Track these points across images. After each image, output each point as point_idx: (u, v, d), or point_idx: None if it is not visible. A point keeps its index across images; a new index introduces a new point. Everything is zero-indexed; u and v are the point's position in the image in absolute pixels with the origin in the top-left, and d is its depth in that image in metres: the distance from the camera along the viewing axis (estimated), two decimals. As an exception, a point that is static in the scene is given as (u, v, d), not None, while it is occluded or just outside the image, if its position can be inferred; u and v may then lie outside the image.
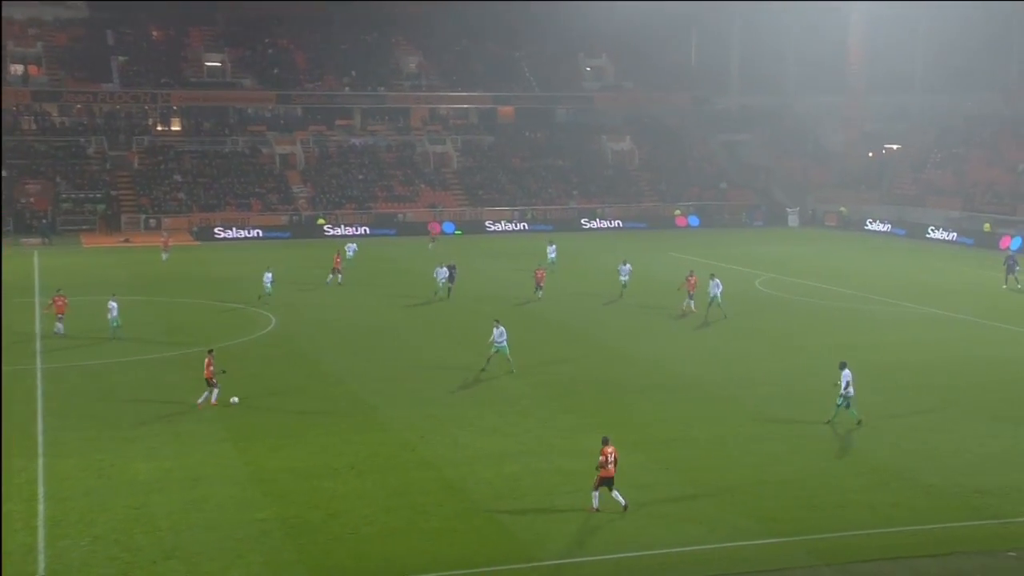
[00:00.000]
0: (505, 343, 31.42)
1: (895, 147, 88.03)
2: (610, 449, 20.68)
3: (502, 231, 74.72)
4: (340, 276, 48.07)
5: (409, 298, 45.25)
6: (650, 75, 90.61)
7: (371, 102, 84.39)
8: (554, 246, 53.81)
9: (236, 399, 27.76)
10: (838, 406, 26.14)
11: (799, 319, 40.77)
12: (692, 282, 41.19)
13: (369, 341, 36.16)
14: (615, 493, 20.61)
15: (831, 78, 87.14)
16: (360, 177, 78.34)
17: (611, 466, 20.47)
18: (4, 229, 64.32)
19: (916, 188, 79.39)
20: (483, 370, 31.46)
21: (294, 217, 73.37)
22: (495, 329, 31.70)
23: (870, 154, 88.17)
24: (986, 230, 67.60)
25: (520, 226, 75.75)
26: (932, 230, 70.37)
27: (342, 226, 72.10)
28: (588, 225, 76.38)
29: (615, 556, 18.99)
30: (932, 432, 25.77)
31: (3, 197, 68.70)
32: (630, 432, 25.92)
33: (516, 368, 31.45)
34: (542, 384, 30.59)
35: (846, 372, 25.92)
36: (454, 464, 23.65)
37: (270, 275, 43.67)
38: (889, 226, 74.34)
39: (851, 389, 25.87)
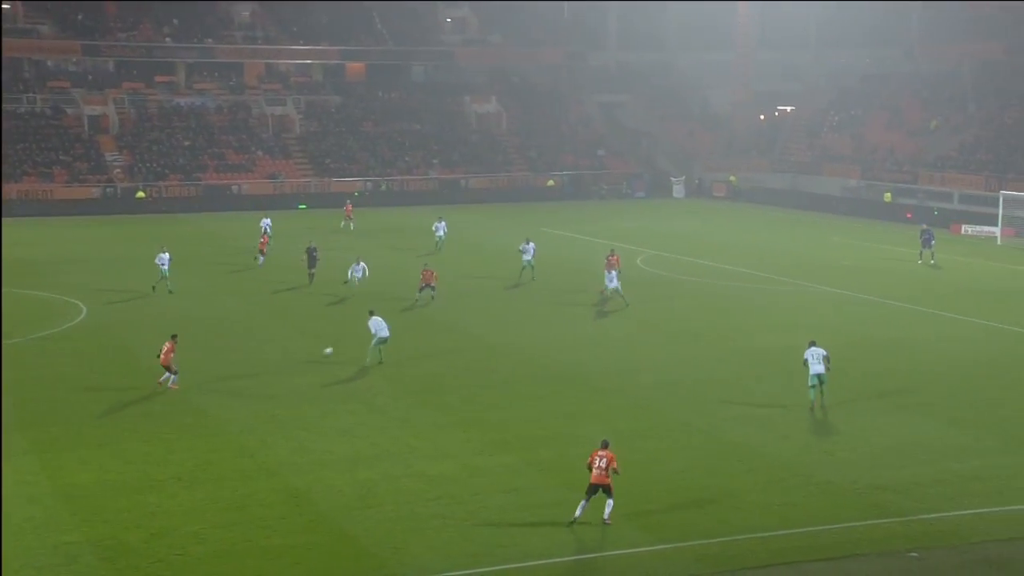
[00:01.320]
0: (387, 333, 31.41)
1: (788, 109, 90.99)
2: (602, 453, 20.70)
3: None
4: (262, 258, 48.09)
5: (254, 284, 44.40)
6: (518, 28, 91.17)
7: (197, 55, 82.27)
8: (443, 223, 53.78)
9: (330, 350, 31.67)
10: (812, 386, 27.35)
11: (686, 301, 41.76)
12: (613, 261, 42.06)
13: (203, 333, 35.34)
14: (608, 502, 20.62)
15: (718, 33, 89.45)
16: (186, 143, 76.35)
17: (597, 471, 20.48)
18: None
19: (812, 154, 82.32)
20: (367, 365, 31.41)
21: (108, 189, 70.97)
22: (371, 319, 31.58)
23: (761, 117, 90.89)
24: (887, 200, 70.64)
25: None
26: (827, 200, 73.09)
27: (166, 199, 70.18)
28: (451, 197, 76.41)
29: (483, 570, 19.12)
30: (829, 424, 26.82)
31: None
32: (501, 431, 26.13)
33: (384, 360, 31.59)
34: (402, 379, 30.52)
35: (814, 350, 27.26)
36: (300, 471, 23.39)
37: (166, 255, 42.40)
38: (779, 196, 76.77)
39: (820, 367, 27.03)
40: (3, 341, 33.46)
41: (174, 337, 29.60)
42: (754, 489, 22.52)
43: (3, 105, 73.88)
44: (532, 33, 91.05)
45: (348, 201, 57.95)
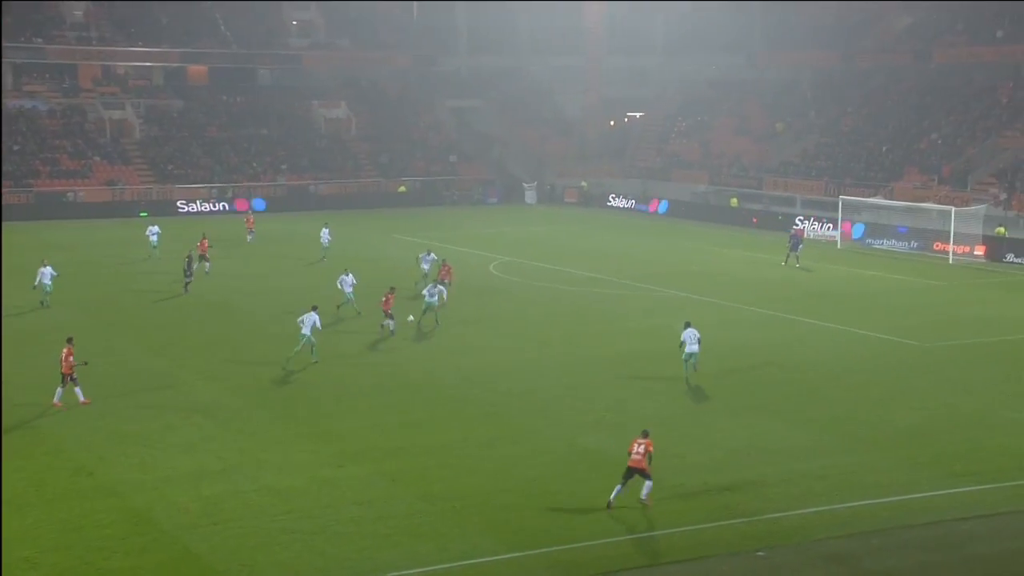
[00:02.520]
0: (311, 333, 32.28)
1: (638, 115, 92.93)
2: (641, 440, 22.25)
3: (198, 212, 72.45)
4: (208, 264, 47.49)
5: (96, 293, 42.91)
6: (367, 32, 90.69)
7: (26, 56, 79.07)
8: (327, 229, 52.94)
9: (413, 317, 35.09)
10: (685, 361, 30.74)
11: (538, 307, 42.18)
12: (447, 270, 42.55)
13: (36, 344, 33.94)
14: (646, 483, 22.00)
15: (568, 38, 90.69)
16: (16, 148, 73.28)
17: (635, 456, 21.96)
18: None
19: (661, 160, 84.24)
20: (289, 359, 32.28)
21: (-72, 197, 67.58)
22: (306, 315, 32.29)
23: (611, 123, 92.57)
24: (733, 205, 72.82)
25: (220, 206, 73.78)
26: (676, 205, 74.88)
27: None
28: (300, 204, 75.48)
29: (335, 586, 18.91)
30: (679, 426, 27.45)
31: None
32: (352, 441, 25.91)
33: (319, 358, 32.71)
34: (249, 390, 29.97)
35: (690, 332, 30.70)
36: (141, 489, 22.72)
37: (48, 270, 40.75)
38: (633, 202, 78.46)
39: (694, 347, 30.57)
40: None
41: (70, 340, 28.60)
42: (606, 494, 22.81)
43: None
44: (381, 37, 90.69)
45: (249, 213, 56.27)
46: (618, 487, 22.02)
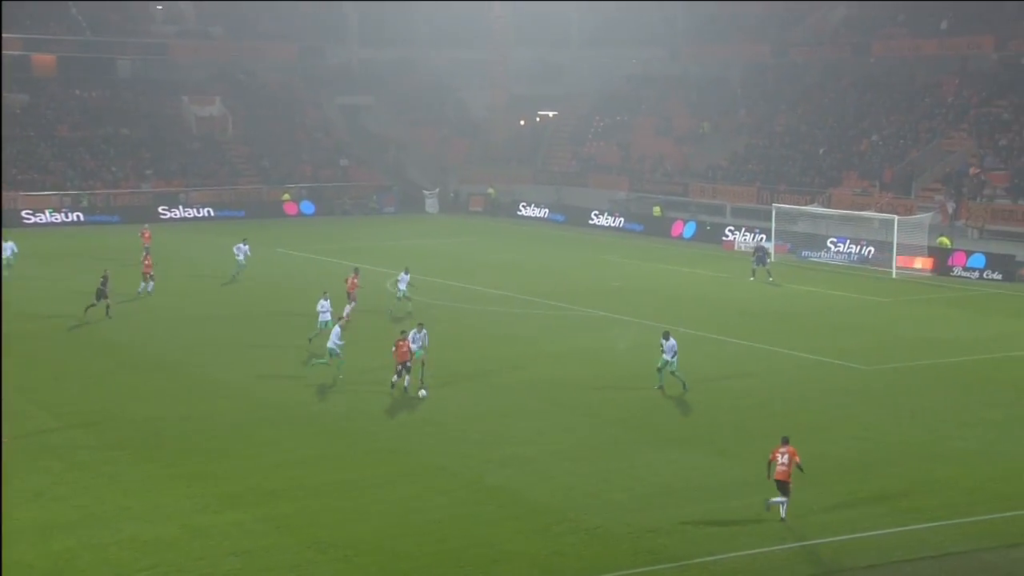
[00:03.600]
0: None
1: (550, 114, 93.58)
2: (783, 449, 23.74)
3: (47, 223, 70.99)
4: (151, 284, 47.38)
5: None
6: (243, 20, 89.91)
7: None
8: (246, 246, 52.33)
9: (425, 392, 32.17)
10: (659, 370, 33.01)
11: (441, 328, 42.12)
12: (353, 283, 43.07)
13: None
14: (783, 501, 23.60)
15: (471, 29, 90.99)
16: None
17: (780, 467, 23.51)
18: None
19: (577, 164, 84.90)
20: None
21: None
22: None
23: (521, 122, 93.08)
24: (656, 214, 73.70)
25: (74, 216, 72.40)
26: (596, 215, 75.67)
27: None
28: (168, 214, 74.50)
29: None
30: (599, 461, 27.59)
31: None
32: (229, 483, 25.58)
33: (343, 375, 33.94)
34: (109, 428, 29.40)
35: (670, 343, 32.85)
36: (-21, 547, 22.07)
37: None
38: (546, 211, 78.97)
39: (669, 356, 32.78)
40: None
41: None
42: (517, 538, 22.87)
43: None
44: (260, 26, 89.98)
45: (146, 227, 55.24)
46: (781, 500, 23.61)
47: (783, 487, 23.67)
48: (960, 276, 55.40)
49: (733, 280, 54.52)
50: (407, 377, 32.43)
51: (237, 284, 50.77)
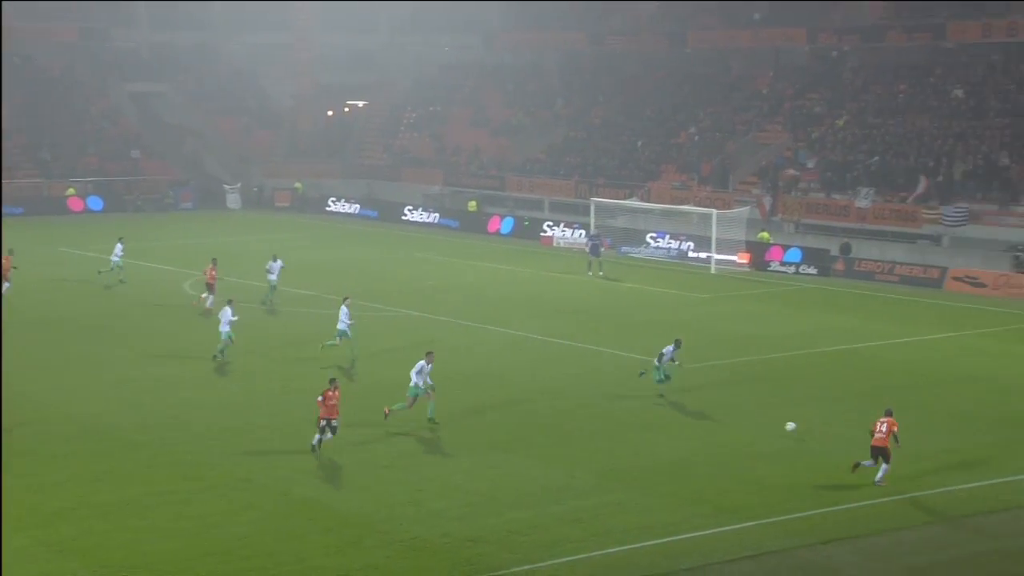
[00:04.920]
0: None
1: (360, 104, 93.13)
2: (884, 419, 26.29)
3: None
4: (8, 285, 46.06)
5: None
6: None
7: None
8: (121, 245, 50.74)
9: (793, 425, 30.07)
10: (658, 381, 33.40)
11: (244, 331, 41.54)
12: (211, 274, 43.84)
13: None
14: (883, 466, 26.20)
15: (272, 13, 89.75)
16: None
17: (879, 435, 26.13)
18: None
19: (389, 157, 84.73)
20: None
21: None
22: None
23: (329, 113, 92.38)
24: (472, 209, 74.10)
25: None
26: (409, 210, 75.67)
27: None
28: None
29: None
30: (415, 469, 27.65)
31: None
32: (6, 503, 24.68)
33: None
34: None
35: (669, 348, 33.47)
36: None
37: None
38: (357, 206, 78.61)
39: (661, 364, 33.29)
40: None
41: None
42: (328, 552, 22.75)
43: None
44: (37, 6, 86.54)
45: (10, 251, 52.62)
46: (869, 462, 26.38)
47: (880, 453, 26.27)
48: (777, 271, 57.35)
49: (552, 278, 55.27)
50: (329, 435, 28.35)
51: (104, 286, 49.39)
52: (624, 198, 66.22)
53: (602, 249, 56.42)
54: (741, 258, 58.43)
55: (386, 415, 30.80)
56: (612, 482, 26.92)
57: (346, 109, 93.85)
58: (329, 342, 38.03)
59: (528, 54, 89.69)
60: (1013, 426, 31.39)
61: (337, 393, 28.33)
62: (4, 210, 72.13)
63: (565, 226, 66.54)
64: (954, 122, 63.68)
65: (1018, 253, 53.39)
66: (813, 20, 73.60)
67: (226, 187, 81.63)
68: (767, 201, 62.97)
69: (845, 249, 58.03)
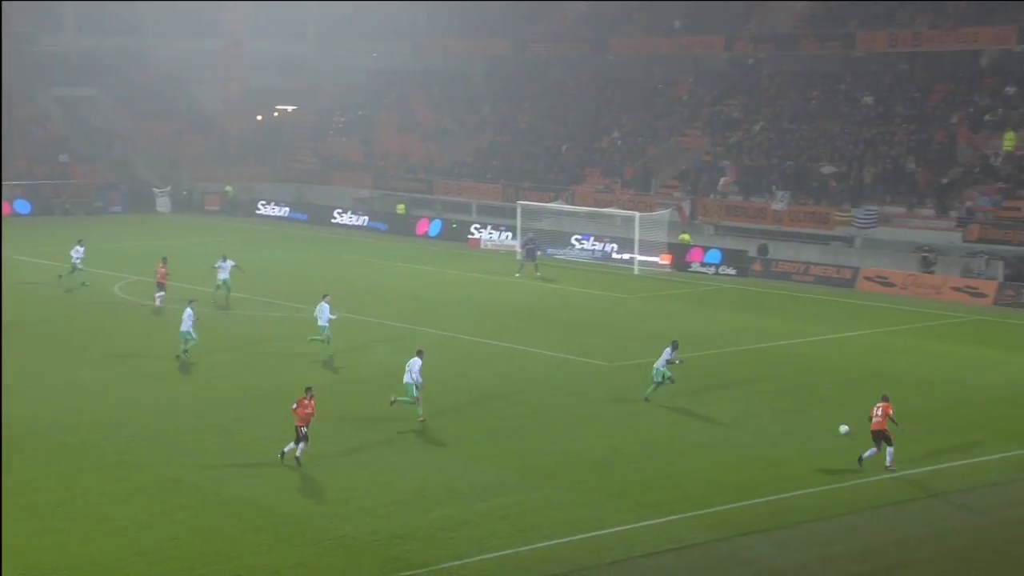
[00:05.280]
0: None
1: (290, 109, 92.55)
2: (880, 404, 27.34)
3: None
4: None
5: None
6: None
7: None
8: (82, 248, 49.88)
9: (847, 427, 29.93)
10: (658, 384, 32.89)
11: (173, 333, 41.14)
12: (162, 272, 44.13)
13: None
14: (888, 450, 27.11)
15: (201, 18, 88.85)
16: None
17: (876, 419, 27.02)
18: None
19: (318, 161, 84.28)
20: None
21: None
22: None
23: (259, 118, 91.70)
24: (401, 212, 73.89)
25: None
26: (339, 213, 75.30)
27: None
28: None
29: None
30: (343, 468, 27.48)
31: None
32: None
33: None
34: None
35: (667, 351, 33.03)
36: None
37: None
38: (287, 209, 78.10)
39: (660, 362, 32.91)
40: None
41: None
42: (259, 551, 22.57)
43: None
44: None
45: None
46: (872, 450, 27.25)
47: (881, 436, 27.20)
48: (698, 272, 57.80)
49: (480, 279, 55.30)
50: (302, 447, 27.30)
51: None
52: (549, 201, 66.39)
53: (538, 252, 56.64)
54: (663, 259, 58.83)
55: (392, 401, 31.18)
56: (539, 479, 26.97)
57: (275, 114, 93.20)
58: (316, 338, 38.21)
59: (455, 61, 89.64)
60: (923, 420, 31.88)
61: (312, 402, 27.46)
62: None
63: (492, 228, 66.56)
64: (864, 128, 64.59)
65: (924, 254, 54.25)
66: (730, 28, 74.24)
67: (155, 191, 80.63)
68: (686, 205, 63.40)
69: (762, 250, 58.65)
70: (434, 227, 70.35)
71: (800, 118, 67.91)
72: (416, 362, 30.87)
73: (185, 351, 37.14)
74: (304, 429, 27.22)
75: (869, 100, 66.67)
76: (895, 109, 65.19)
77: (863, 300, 51.04)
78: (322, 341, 38.01)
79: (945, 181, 58.05)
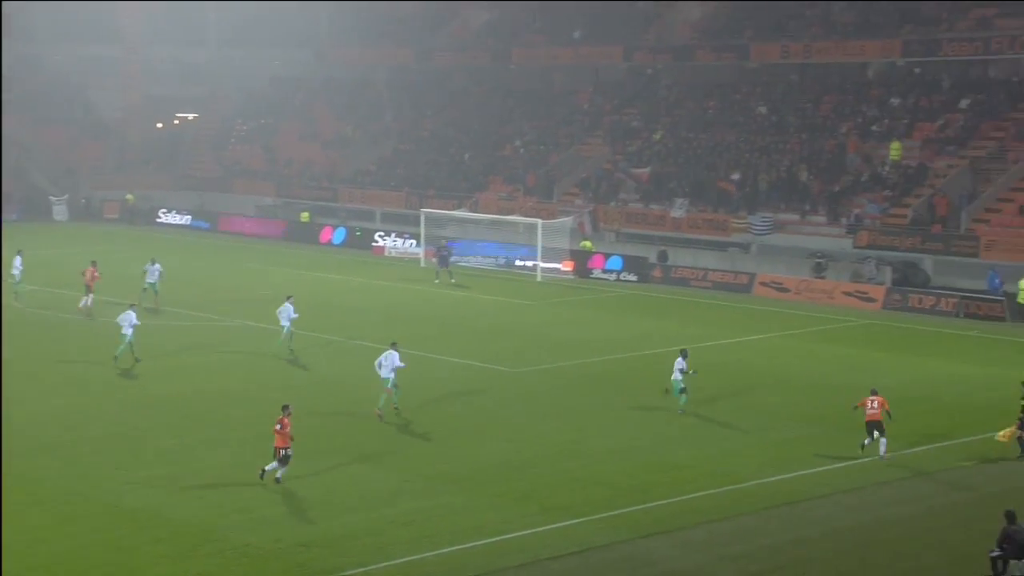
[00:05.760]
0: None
1: (190, 116, 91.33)
2: (873, 398, 28.57)
3: None
4: None
5: None
6: None
7: None
8: (19, 258, 48.27)
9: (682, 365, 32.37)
10: (680, 391, 32.80)
11: (71, 343, 40.57)
12: (91, 275, 44.39)
13: None
14: (881, 440, 28.47)
15: (99, 24, 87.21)
16: None
17: (870, 411, 28.38)
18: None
19: (220, 169, 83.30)
20: None
21: None
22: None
23: (159, 125, 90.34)
24: (304, 220, 73.27)
25: None
26: (244, 224, 74.51)
27: None
28: None
29: None
30: (246, 477, 27.02)
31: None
32: None
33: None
34: None
35: (679, 361, 33.00)
36: None
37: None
38: (189, 218, 77.03)
39: (676, 375, 32.89)
40: None
41: None
42: (161, 562, 22.19)
43: None
44: None
45: None
46: (867, 439, 28.47)
47: (876, 427, 28.41)
48: (599, 278, 58.12)
49: (385, 286, 55.06)
50: (281, 470, 26.57)
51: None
52: (453, 208, 66.35)
53: (451, 259, 56.55)
54: (565, 266, 59.08)
55: (379, 417, 31.59)
56: (444, 484, 26.86)
57: (176, 121, 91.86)
58: (282, 340, 39.27)
59: (358, 69, 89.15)
60: (818, 422, 32.39)
61: (289, 422, 26.67)
62: None
63: (396, 236, 66.28)
64: (758, 137, 65.56)
65: (817, 260, 55.19)
66: (629, 39, 74.85)
67: (52, 199, 79.01)
68: (586, 216, 63.63)
69: (662, 257, 59.19)
70: (338, 235, 69.87)
71: (697, 127, 68.71)
72: (393, 355, 32.00)
73: (116, 357, 37.02)
74: (286, 451, 26.46)
75: (763, 110, 67.70)
76: (788, 119, 66.27)
77: (759, 305, 51.75)
78: (285, 340, 39.28)
79: (836, 189, 59.15)
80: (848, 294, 52.03)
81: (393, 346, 32.43)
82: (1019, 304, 47.37)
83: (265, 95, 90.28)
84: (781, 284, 54.00)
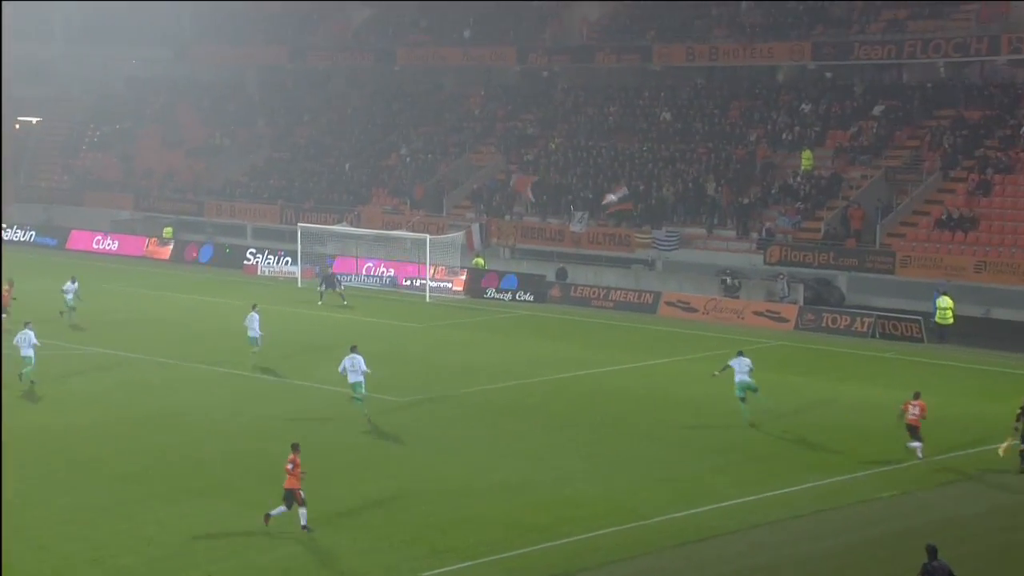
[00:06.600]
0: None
1: (34, 120, 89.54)
2: (915, 402, 31.34)
3: None
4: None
5: None
6: None
7: None
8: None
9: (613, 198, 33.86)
10: (743, 399, 34.90)
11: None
12: (7, 291, 46.19)
13: None
14: (916, 443, 31.35)
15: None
16: None
17: (911, 415, 31.22)
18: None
19: (70, 179, 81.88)
20: None
21: None
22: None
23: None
24: (167, 236, 72.31)
25: None
26: (99, 241, 73.35)
27: None
28: None
29: None
30: (99, 524, 26.68)
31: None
32: None
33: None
34: None
35: (744, 361, 34.94)
36: None
37: None
38: (33, 233, 75.67)
39: (745, 376, 34.95)
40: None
41: None
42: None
43: None
44: None
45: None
46: (914, 442, 31.32)
47: (914, 431, 31.24)
48: (493, 298, 58.28)
49: (264, 309, 54.41)
50: (303, 511, 26.01)
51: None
52: (333, 223, 66.05)
53: (338, 278, 56.43)
54: (456, 285, 59.17)
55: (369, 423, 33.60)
56: (322, 525, 26.62)
57: (17, 126, 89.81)
58: (254, 350, 41.67)
59: (225, 69, 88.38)
60: (728, 451, 32.81)
61: (299, 461, 26.36)
62: None
63: (271, 253, 65.70)
64: (663, 145, 66.32)
65: (725, 277, 55.99)
66: (523, 39, 75.30)
67: None
68: (476, 229, 63.75)
69: (561, 275, 59.58)
70: (205, 252, 69.11)
71: (597, 134, 69.28)
72: (357, 359, 34.39)
73: (22, 374, 37.78)
74: (300, 493, 26.07)
75: (667, 116, 68.51)
76: (694, 126, 67.14)
77: (664, 326, 52.29)
78: (255, 352, 41.76)
79: (745, 201, 60.05)
80: (759, 314, 52.82)
81: (354, 349, 34.40)
82: (937, 324, 48.47)
83: (121, 97, 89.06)
84: (688, 304, 54.57)
